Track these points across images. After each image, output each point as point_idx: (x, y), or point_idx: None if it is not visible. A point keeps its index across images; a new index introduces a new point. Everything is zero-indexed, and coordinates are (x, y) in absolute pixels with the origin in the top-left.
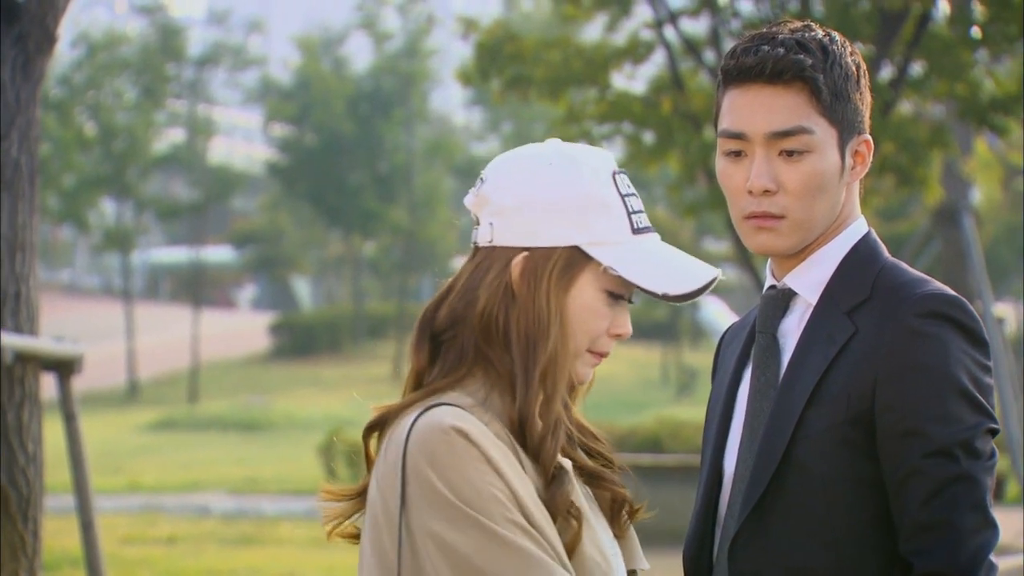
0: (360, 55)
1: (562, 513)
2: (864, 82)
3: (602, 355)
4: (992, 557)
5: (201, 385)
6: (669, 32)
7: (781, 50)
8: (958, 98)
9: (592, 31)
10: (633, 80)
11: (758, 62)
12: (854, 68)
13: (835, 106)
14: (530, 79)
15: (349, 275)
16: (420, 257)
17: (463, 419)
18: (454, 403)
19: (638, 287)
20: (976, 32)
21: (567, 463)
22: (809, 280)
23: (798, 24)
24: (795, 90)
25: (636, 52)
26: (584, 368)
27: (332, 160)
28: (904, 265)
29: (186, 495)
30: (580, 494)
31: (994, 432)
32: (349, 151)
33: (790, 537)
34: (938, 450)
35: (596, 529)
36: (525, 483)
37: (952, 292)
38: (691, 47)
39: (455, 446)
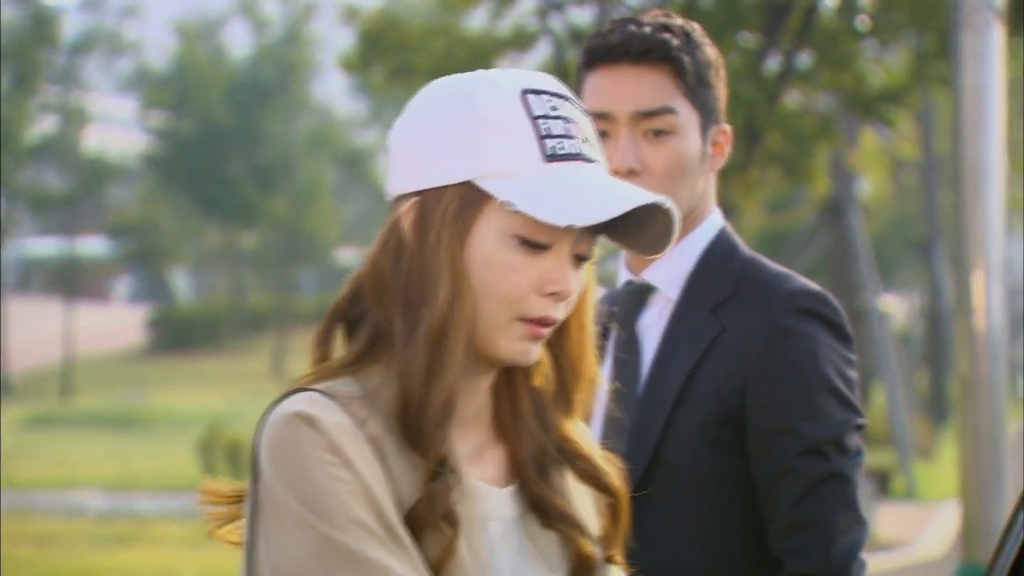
0: (239, 42)
1: (431, 521)
2: (722, 74)
3: (539, 323)
4: (862, 554)
5: (76, 380)
6: (555, 21)
7: (648, 29)
8: (844, 89)
9: (477, 19)
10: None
11: (624, 40)
12: (714, 57)
13: (698, 90)
14: (414, 68)
15: (228, 267)
16: (301, 249)
17: (317, 405)
18: (326, 390)
19: (536, 219)
20: (863, 22)
21: (482, 488)
22: (669, 274)
23: (659, 12)
24: (660, 71)
25: (521, 41)
26: (514, 343)
27: (210, 150)
28: (764, 259)
29: (59, 492)
30: (466, 506)
31: (861, 427)
32: (227, 140)
33: (662, 537)
34: (809, 448)
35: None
36: (382, 486)
37: (817, 287)
38: (577, 36)
39: (297, 434)
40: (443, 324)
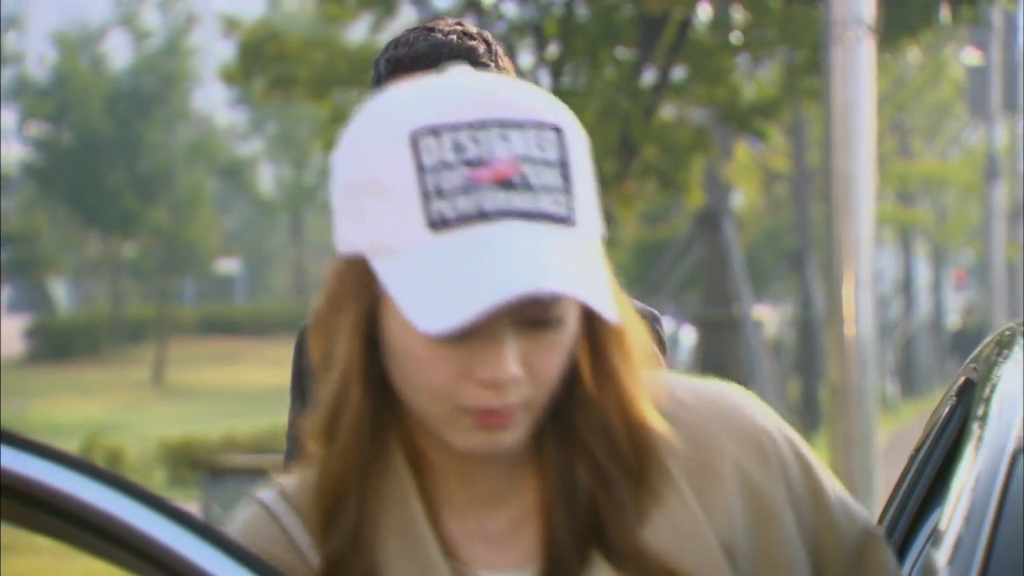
0: (119, 53)
1: None
2: None
3: (486, 414)
4: None
5: None
6: None
7: (453, 38)
8: (718, 103)
9: (357, 32)
10: None
11: (431, 49)
12: (510, 64)
13: None
14: (294, 79)
15: (108, 277)
16: (182, 259)
17: (239, 523)
18: (279, 487)
19: (409, 319)
20: (736, 37)
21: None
22: None
23: (451, 20)
24: None
25: None
26: (465, 436)
27: (90, 160)
28: None
29: None
30: None
31: None
32: (108, 151)
33: None
34: None
35: None
36: None
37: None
38: None
39: None
40: (330, 420)
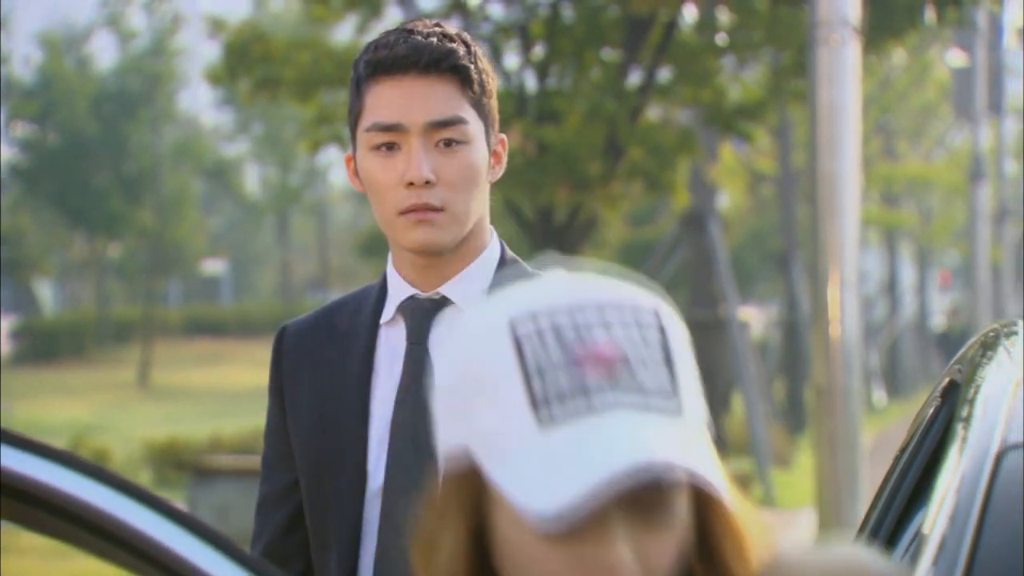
0: (105, 54)
1: None
2: (496, 82)
3: None
4: None
5: None
6: None
7: (434, 40)
8: (704, 104)
9: (344, 32)
10: None
11: (412, 51)
12: (489, 65)
13: (482, 99)
14: (280, 80)
15: (93, 278)
16: (167, 260)
17: None
18: None
19: (519, 509)
20: (722, 39)
21: None
22: (470, 290)
23: (430, 22)
24: (447, 80)
25: None
26: None
27: (75, 161)
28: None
29: None
30: None
31: None
32: (93, 152)
33: None
34: None
35: None
36: None
37: None
38: None
39: None
40: None
